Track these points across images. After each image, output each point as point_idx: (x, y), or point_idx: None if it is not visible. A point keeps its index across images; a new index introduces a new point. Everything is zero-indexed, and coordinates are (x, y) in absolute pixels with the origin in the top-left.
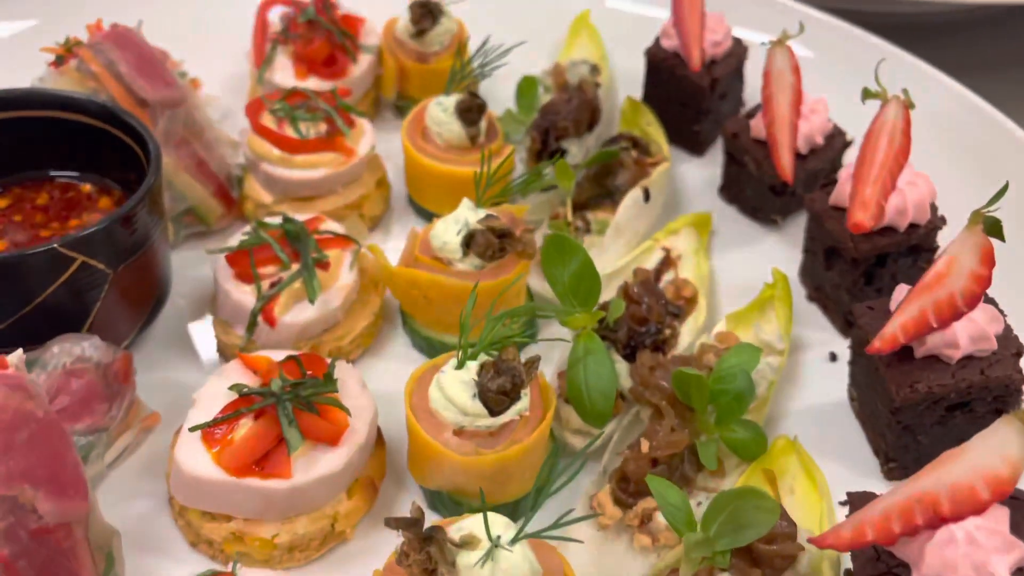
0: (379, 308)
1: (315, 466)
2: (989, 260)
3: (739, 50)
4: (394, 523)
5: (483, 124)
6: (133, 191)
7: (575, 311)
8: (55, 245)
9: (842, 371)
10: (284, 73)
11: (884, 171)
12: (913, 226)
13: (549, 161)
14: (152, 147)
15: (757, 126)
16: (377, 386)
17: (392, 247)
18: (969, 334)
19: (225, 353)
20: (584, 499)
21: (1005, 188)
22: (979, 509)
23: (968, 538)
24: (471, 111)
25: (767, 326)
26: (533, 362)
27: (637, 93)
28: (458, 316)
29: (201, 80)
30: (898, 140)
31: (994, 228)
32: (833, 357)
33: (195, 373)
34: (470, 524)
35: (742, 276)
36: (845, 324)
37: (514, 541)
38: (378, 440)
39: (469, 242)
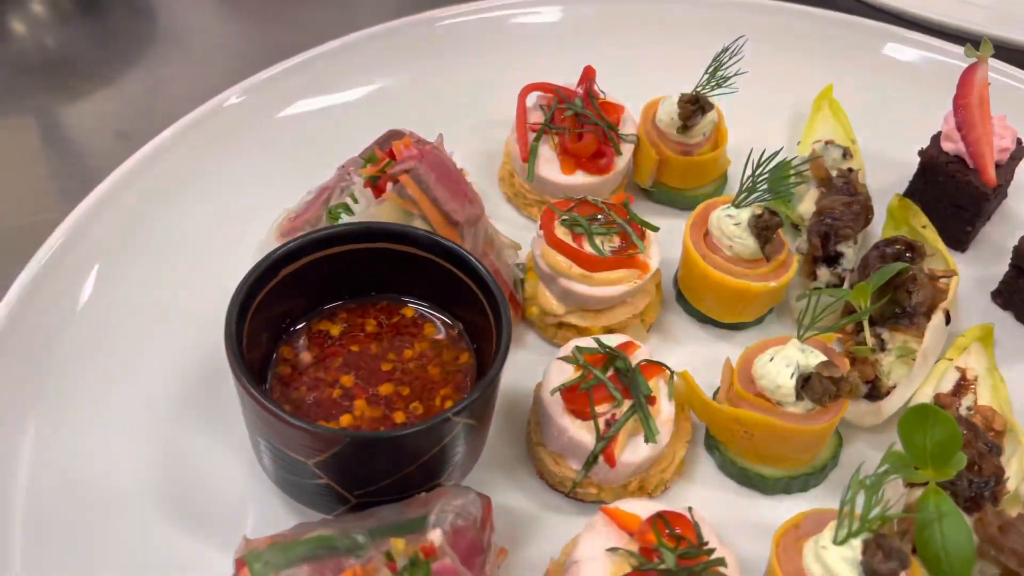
0: (691, 435)
1: None
2: None
3: (1020, 152)
4: None
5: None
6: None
7: (926, 471)
8: (448, 415)
9: None
10: (549, 167)
11: None
12: None
13: (839, 289)
14: (499, 294)
15: None
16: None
17: (658, 343)
18: None
19: (549, 481)
20: None
21: None
22: None
23: None
24: (768, 229)
25: None
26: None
27: (889, 182)
28: (776, 451)
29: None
30: None
31: None
32: None
33: (520, 499)
34: None
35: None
36: None
37: None
38: None
39: (804, 386)
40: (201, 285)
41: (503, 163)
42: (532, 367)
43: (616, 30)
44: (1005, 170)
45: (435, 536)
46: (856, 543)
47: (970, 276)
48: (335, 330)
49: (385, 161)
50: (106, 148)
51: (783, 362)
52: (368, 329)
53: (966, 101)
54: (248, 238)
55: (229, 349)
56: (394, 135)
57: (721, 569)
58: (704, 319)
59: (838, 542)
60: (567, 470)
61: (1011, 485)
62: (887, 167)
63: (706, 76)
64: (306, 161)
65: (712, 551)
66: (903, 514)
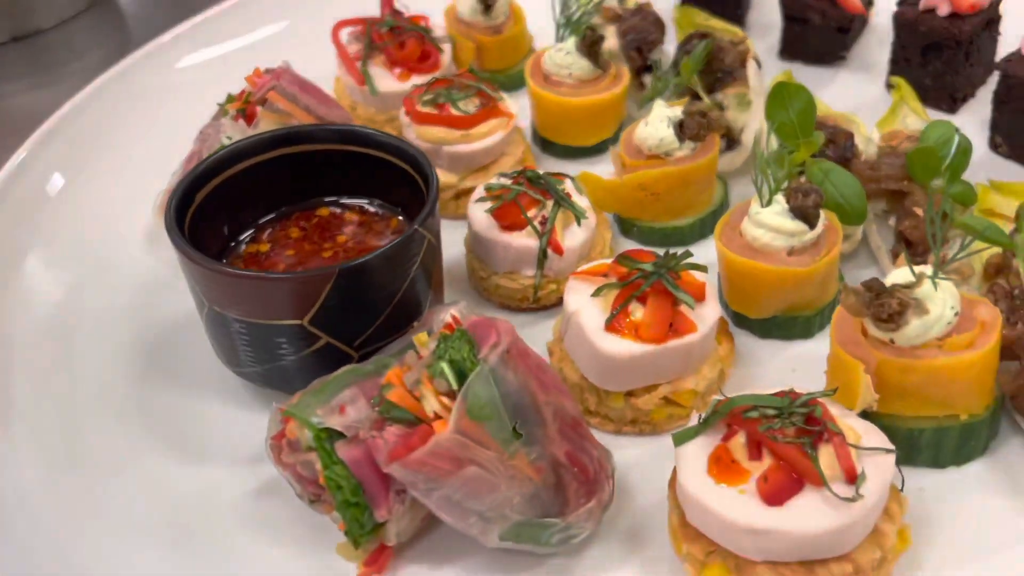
0: (608, 224)
1: (705, 317)
2: None
3: None
4: (866, 284)
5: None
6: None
7: (799, 147)
8: (416, 227)
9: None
10: (387, 81)
11: None
12: (993, 2)
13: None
14: (421, 155)
15: None
16: None
17: None
18: None
19: (514, 299)
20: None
21: None
22: None
23: None
24: (596, 44)
25: (907, 121)
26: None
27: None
28: (682, 200)
29: None
30: None
31: None
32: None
33: None
34: (895, 278)
35: (850, 102)
36: None
37: (936, 273)
38: None
39: (681, 129)
40: (97, 280)
41: (339, 100)
42: (447, 240)
43: None
44: None
45: (455, 310)
46: (779, 197)
47: (761, 48)
48: (264, 247)
49: (245, 94)
50: None
51: (657, 121)
52: (294, 235)
53: None
54: (135, 226)
55: (184, 253)
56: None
57: (692, 265)
58: (572, 152)
59: (765, 205)
60: (524, 280)
61: (861, 147)
62: None
63: None
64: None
65: (688, 254)
66: (797, 174)
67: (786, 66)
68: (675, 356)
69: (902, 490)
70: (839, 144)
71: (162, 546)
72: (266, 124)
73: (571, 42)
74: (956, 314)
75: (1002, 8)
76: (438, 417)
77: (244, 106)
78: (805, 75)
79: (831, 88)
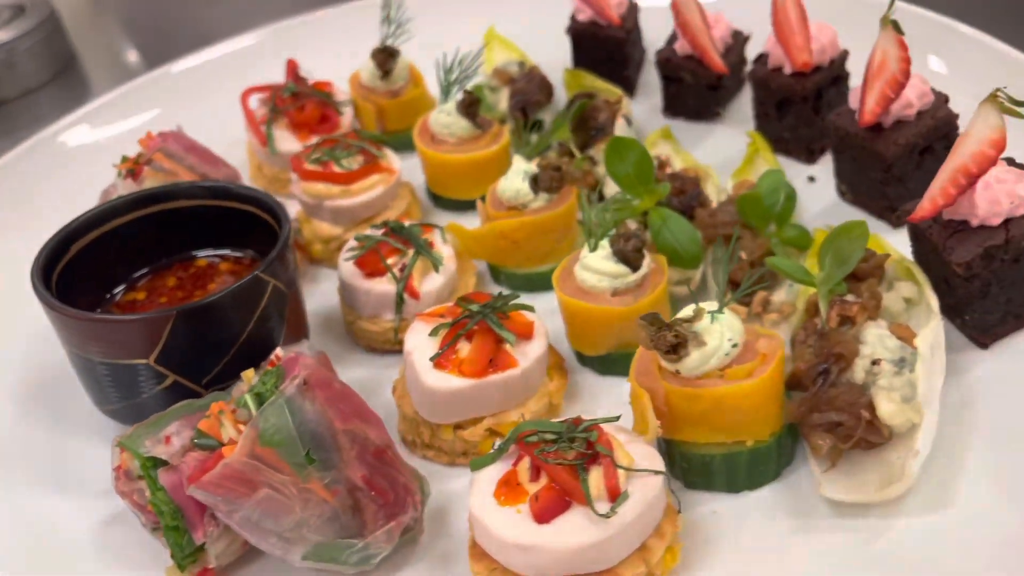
0: (475, 270)
1: (528, 353)
2: (905, 45)
3: (633, 6)
4: (646, 319)
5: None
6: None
7: (642, 196)
8: (257, 273)
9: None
10: (288, 143)
11: (799, 26)
12: (833, 62)
13: (532, 121)
14: (278, 207)
15: (681, 46)
16: None
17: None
18: (915, 94)
19: (378, 341)
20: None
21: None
22: (993, 163)
23: (997, 179)
24: (472, 106)
25: (761, 170)
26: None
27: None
28: (542, 248)
29: None
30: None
31: (897, 26)
32: (811, 179)
33: (355, 370)
34: (681, 314)
35: (722, 155)
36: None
37: (720, 311)
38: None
39: (536, 182)
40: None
41: (249, 162)
42: (329, 287)
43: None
44: (629, 17)
45: (294, 349)
46: (604, 243)
47: (647, 108)
48: (140, 295)
49: (137, 155)
50: None
51: (514, 174)
52: (170, 284)
53: None
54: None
55: (43, 299)
56: None
57: (524, 312)
58: (459, 205)
59: (592, 251)
60: (385, 323)
61: (712, 196)
62: (553, 58)
63: (383, 28)
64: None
65: (511, 295)
66: (631, 217)
67: (669, 122)
68: (496, 390)
69: (679, 511)
70: (687, 193)
71: (18, 572)
72: (151, 182)
73: (452, 104)
74: (734, 346)
75: (849, 67)
76: (234, 443)
77: (133, 166)
78: (683, 130)
79: (706, 142)
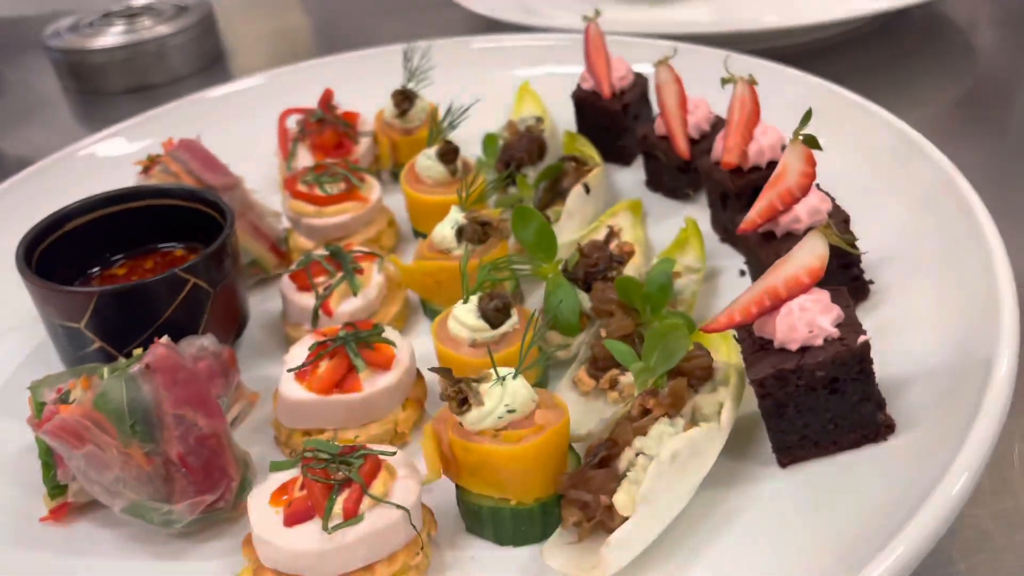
0: (404, 301)
1: (377, 383)
2: (811, 161)
3: (640, 81)
4: (436, 370)
5: (459, 163)
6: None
7: (542, 264)
8: (175, 271)
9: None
10: (306, 161)
11: (741, 127)
12: (772, 163)
13: (505, 174)
14: (227, 210)
15: (660, 125)
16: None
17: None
18: (807, 210)
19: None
20: (567, 380)
21: (809, 114)
22: (804, 290)
23: (801, 307)
24: (447, 154)
25: (686, 256)
26: (515, 294)
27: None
28: (454, 291)
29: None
30: (748, 106)
31: (811, 141)
32: (742, 273)
33: (278, 367)
34: (485, 375)
35: (670, 236)
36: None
37: (515, 376)
38: (419, 378)
39: (461, 232)
40: None
41: (280, 174)
42: None
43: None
44: (628, 93)
45: (183, 341)
46: (473, 300)
47: (634, 179)
48: (121, 271)
49: (156, 156)
50: None
51: (447, 222)
52: (148, 266)
53: (589, 51)
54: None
55: (20, 270)
56: None
57: (383, 339)
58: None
59: (464, 303)
60: (303, 332)
61: (634, 273)
62: (572, 118)
63: (405, 74)
64: None
65: (382, 328)
66: (501, 278)
67: (650, 196)
68: (337, 408)
69: (422, 548)
70: (597, 266)
71: None
72: (157, 180)
73: (433, 150)
74: (511, 411)
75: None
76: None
77: (149, 164)
78: (658, 204)
79: (672, 220)
